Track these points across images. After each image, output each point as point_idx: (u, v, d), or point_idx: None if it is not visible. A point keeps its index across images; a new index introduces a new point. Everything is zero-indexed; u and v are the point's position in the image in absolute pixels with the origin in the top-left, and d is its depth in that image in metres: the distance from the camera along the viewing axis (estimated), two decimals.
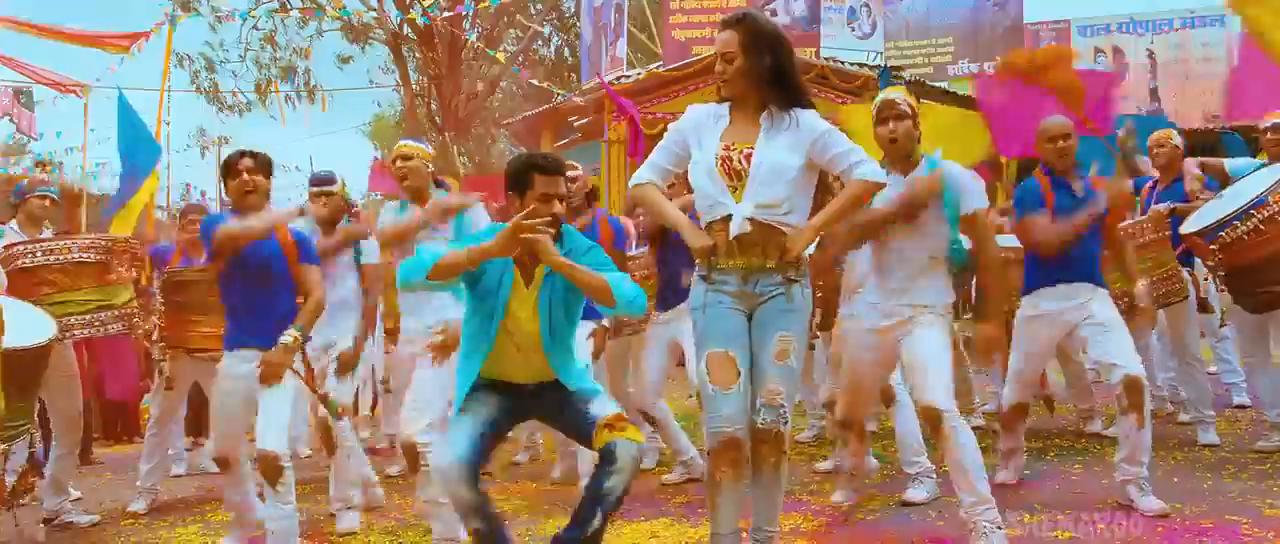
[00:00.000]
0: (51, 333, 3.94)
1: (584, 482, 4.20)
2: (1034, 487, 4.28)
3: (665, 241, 4.62)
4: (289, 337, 3.60)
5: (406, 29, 17.09)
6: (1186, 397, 5.28)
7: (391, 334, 5.52)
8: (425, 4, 14.43)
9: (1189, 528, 3.40)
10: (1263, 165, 4.89)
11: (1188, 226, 4.50)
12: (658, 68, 14.31)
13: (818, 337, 5.12)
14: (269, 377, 3.55)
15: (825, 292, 4.75)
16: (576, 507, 2.88)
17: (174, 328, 5.02)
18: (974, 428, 5.52)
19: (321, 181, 4.67)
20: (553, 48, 21.99)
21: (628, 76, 13.45)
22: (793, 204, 2.81)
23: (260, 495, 4.11)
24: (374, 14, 16.60)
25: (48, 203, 4.95)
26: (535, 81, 15.76)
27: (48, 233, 4.95)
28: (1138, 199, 5.66)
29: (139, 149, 6.83)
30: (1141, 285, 4.00)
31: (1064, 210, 3.86)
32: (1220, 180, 5.20)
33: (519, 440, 5.77)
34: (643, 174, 2.92)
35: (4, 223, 5.01)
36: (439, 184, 4.11)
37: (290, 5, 16.81)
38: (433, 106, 17.89)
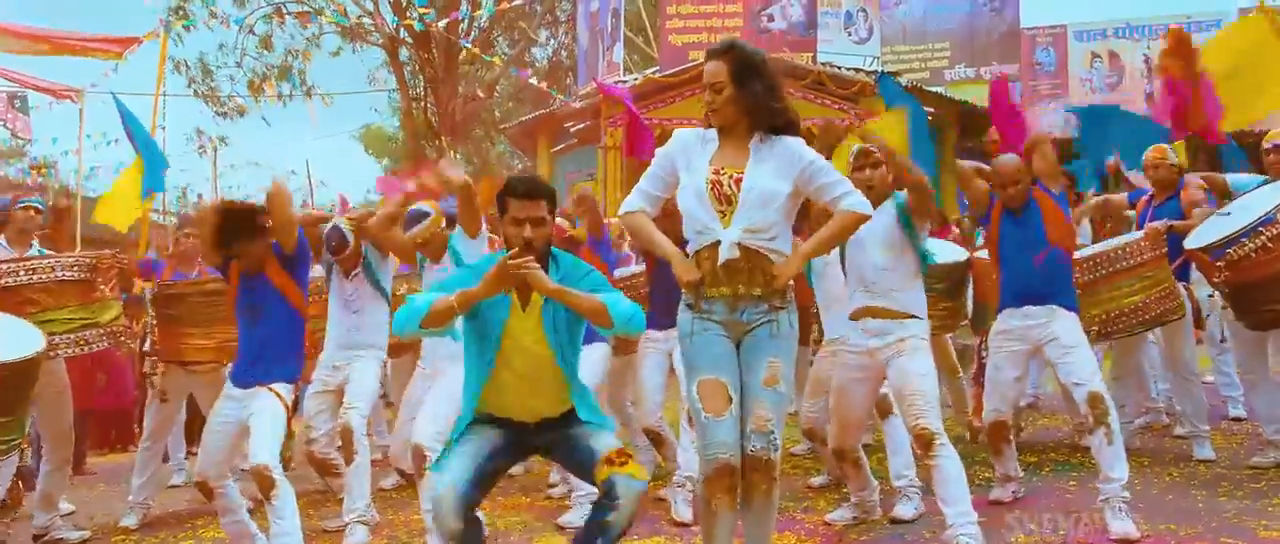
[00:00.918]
0: (40, 346, 3.92)
1: (577, 494, 4.20)
2: (1028, 506, 4.25)
3: (659, 261, 4.60)
4: None
5: (402, 32, 17.06)
6: (1182, 411, 5.26)
7: (394, 350, 5.49)
8: (421, 10, 14.40)
9: None
10: (1265, 181, 4.87)
11: (1192, 242, 4.48)
12: (654, 73, 14.31)
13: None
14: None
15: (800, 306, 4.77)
16: (576, 538, 2.92)
17: (167, 341, 5.01)
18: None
19: (336, 242, 4.55)
20: (549, 51, 21.99)
21: (624, 82, 13.46)
22: (779, 230, 2.81)
23: (251, 510, 4.12)
24: (370, 20, 16.54)
25: (33, 213, 4.92)
26: (534, 80, 15.73)
27: (33, 248, 4.90)
28: (1132, 212, 5.67)
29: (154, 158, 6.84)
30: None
31: (1007, 232, 4.11)
32: (1220, 196, 5.19)
33: None
34: (632, 202, 2.91)
35: None
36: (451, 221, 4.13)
37: (287, 10, 16.76)
38: (429, 112, 17.86)
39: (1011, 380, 4.18)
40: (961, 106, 14.76)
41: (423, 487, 3.71)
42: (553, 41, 21.75)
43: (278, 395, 3.72)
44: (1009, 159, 4.16)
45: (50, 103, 12.21)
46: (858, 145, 3.79)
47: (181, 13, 15.46)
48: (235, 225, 3.77)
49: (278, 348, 3.82)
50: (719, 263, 2.76)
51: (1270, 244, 4.10)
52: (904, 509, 4.08)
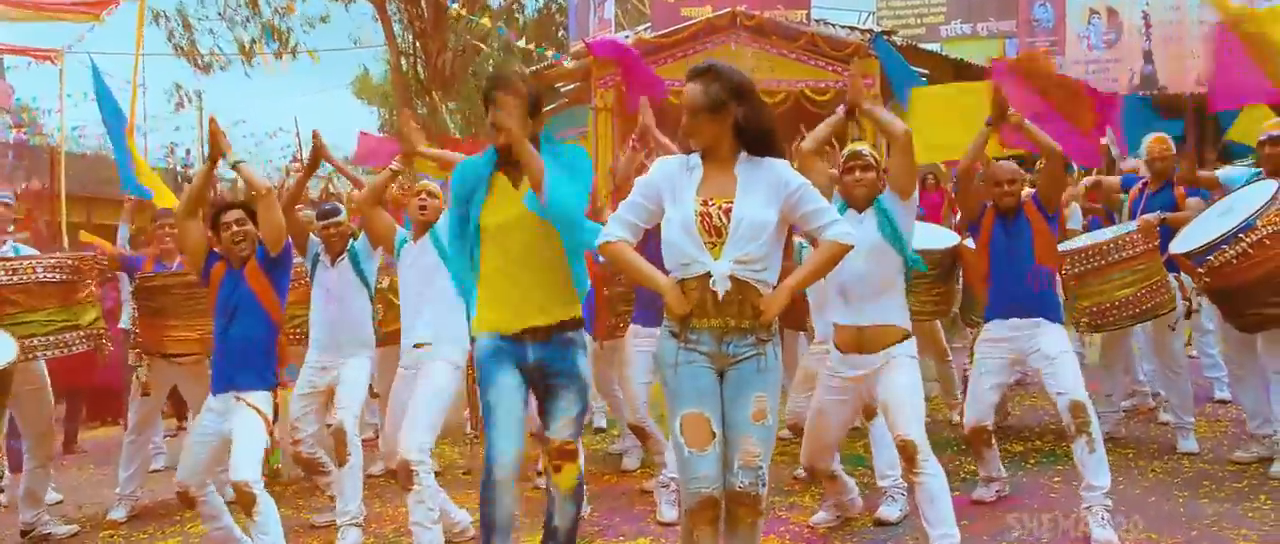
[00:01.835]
0: (10, 357, 3.89)
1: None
2: (1013, 506, 4.27)
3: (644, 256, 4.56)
4: None
5: None
6: (1168, 401, 5.28)
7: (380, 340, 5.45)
8: None
9: None
10: (1257, 174, 4.82)
11: (1177, 246, 4.45)
12: (645, 30, 14.05)
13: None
14: None
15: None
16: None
17: (149, 333, 4.96)
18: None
19: (327, 215, 4.56)
20: (539, 2, 21.59)
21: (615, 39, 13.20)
22: (769, 261, 2.75)
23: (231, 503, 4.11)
24: None
25: (2, 209, 4.85)
26: (522, 42, 15.45)
27: (9, 245, 4.83)
28: (1125, 199, 5.62)
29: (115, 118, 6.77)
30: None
31: (997, 244, 4.16)
32: (1213, 192, 5.14)
33: None
34: (612, 231, 2.83)
35: None
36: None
37: None
38: (419, 67, 17.59)
39: (992, 388, 4.24)
40: (957, 64, 14.54)
41: (411, 500, 3.72)
42: None
43: (256, 410, 3.67)
44: (1006, 165, 4.20)
45: (28, 62, 12.03)
46: (850, 147, 3.73)
47: None
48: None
49: (251, 353, 3.75)
50: (717, 294, 2.70)
51: (1251, 250, 4.08)
52: (889, 511, 4.10)
